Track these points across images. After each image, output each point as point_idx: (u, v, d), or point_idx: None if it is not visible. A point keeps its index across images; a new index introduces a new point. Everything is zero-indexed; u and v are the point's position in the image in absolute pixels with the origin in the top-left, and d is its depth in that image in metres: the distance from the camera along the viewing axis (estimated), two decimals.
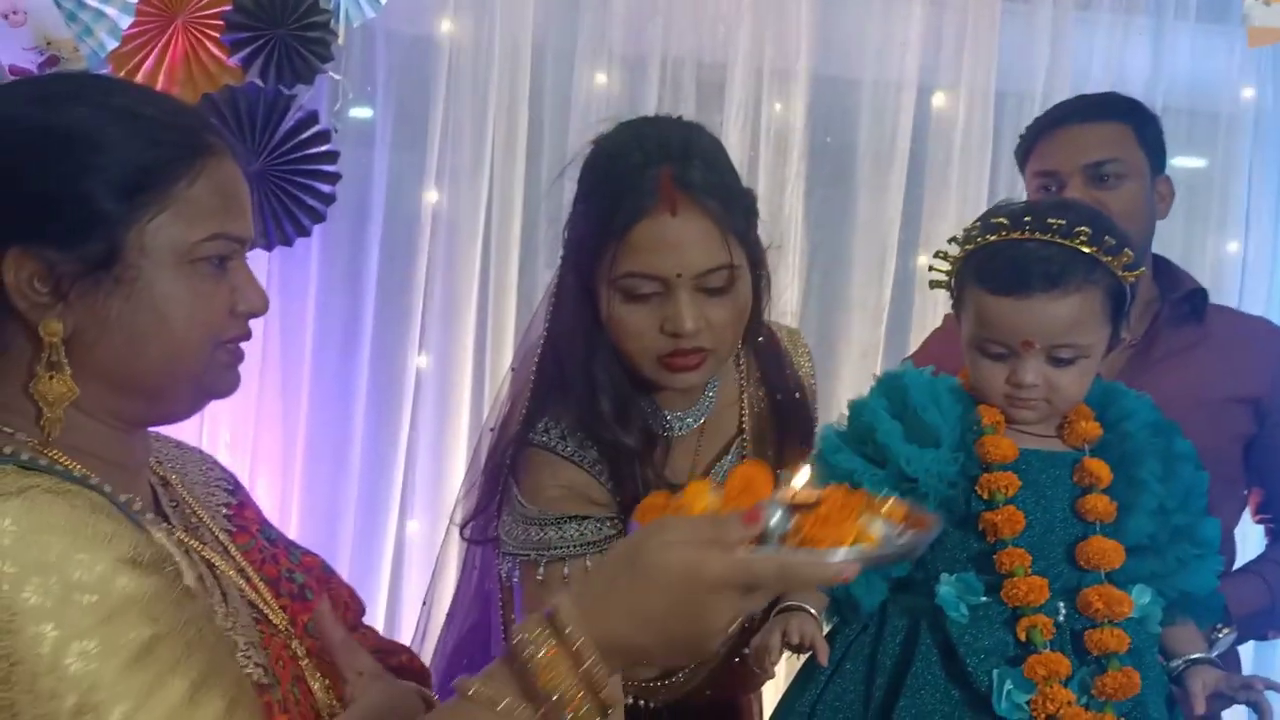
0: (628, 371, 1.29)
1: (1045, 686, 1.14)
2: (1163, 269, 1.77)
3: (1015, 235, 1.20)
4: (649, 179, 1.20)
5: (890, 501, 0.87)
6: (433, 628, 1.60)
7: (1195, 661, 1.24)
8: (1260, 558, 1.73)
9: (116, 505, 0.82)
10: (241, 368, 0.92)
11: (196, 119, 0.90)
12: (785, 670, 1.33)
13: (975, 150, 2.53)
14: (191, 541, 0.90)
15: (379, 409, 2.51)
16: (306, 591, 0.97)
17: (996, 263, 1.21)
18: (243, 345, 0.91)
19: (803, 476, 0.87)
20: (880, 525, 0.82)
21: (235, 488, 1.03)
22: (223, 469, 1.04)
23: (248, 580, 0.93)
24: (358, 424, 2.50)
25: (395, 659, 1.01)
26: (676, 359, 1.24)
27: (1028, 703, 1.14)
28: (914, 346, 2.63)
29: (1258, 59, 2.59)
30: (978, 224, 1.25)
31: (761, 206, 2.79)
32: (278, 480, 2.46)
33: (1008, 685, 1.14)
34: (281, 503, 2.47)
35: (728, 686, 1.41)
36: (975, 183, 2.55)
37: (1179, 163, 2.68)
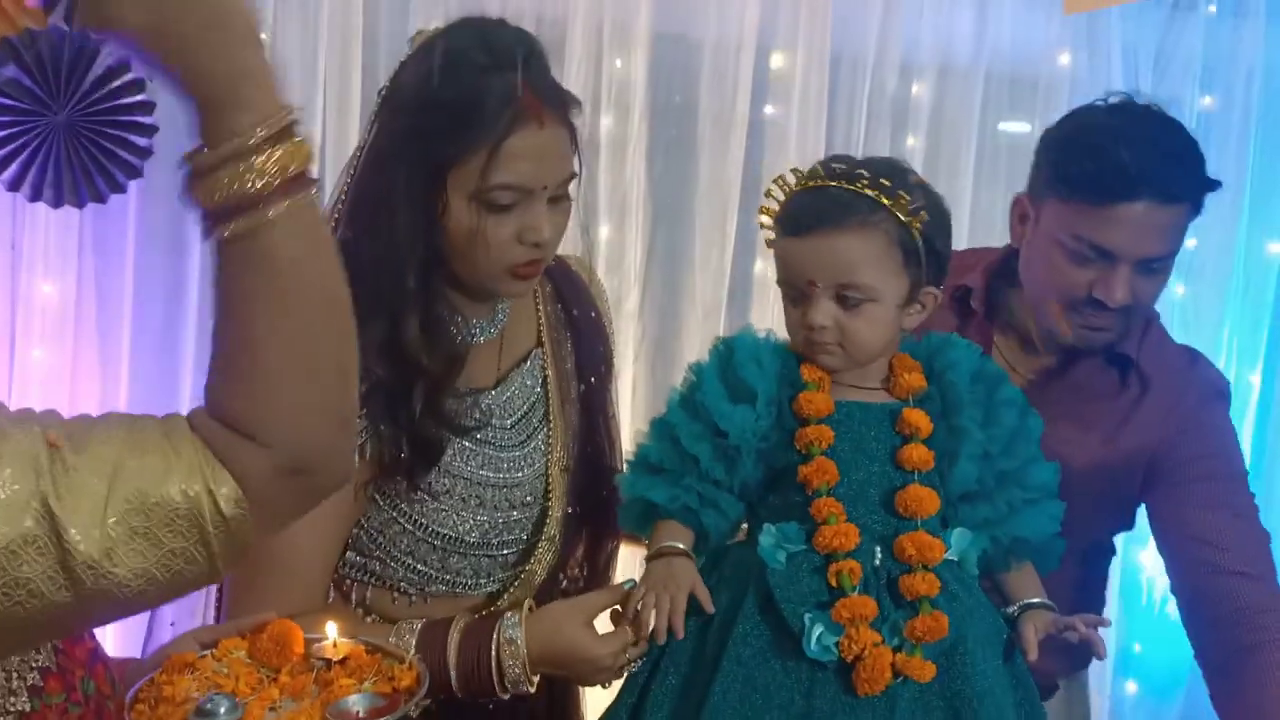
0: (444, 284, 1.25)
1: (851, 629, 1.18)
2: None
3: (811, 184, 1.28)
4: (506, 87, 1.16)
5: (408, 663, 0.97)
6: None
7: (1030, 606, 1.27)
8: None
9: None
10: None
11: None
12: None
13: (812, 111, 2.57)
14: None
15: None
16: None
17: (790, 208, 1.29)
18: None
19: (332, 630, 0.98)
20: (358, 699, 0.92)
21: None
22: None
23: None
24: (185, 391, 2.38)
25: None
26: (526, 268, 1.22)
27: (836, 644, 1.18)
28: (756, 306, 2.68)
29: (1074, 25, 2.71)
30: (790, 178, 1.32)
31: (603, 166, 2.72)
32: None
33: (818, 629, 1.17)
34: None
35: None
36: (813, 143, 2.59)
37: (1004, 128, 2.80)
